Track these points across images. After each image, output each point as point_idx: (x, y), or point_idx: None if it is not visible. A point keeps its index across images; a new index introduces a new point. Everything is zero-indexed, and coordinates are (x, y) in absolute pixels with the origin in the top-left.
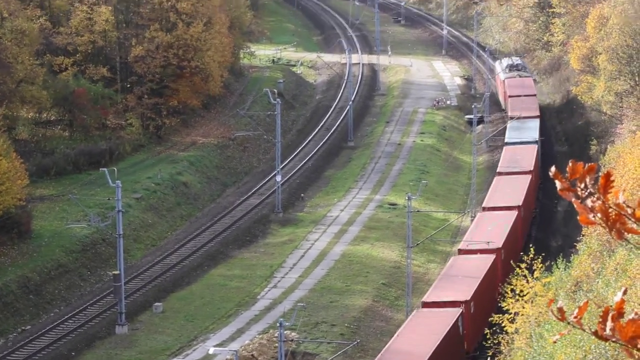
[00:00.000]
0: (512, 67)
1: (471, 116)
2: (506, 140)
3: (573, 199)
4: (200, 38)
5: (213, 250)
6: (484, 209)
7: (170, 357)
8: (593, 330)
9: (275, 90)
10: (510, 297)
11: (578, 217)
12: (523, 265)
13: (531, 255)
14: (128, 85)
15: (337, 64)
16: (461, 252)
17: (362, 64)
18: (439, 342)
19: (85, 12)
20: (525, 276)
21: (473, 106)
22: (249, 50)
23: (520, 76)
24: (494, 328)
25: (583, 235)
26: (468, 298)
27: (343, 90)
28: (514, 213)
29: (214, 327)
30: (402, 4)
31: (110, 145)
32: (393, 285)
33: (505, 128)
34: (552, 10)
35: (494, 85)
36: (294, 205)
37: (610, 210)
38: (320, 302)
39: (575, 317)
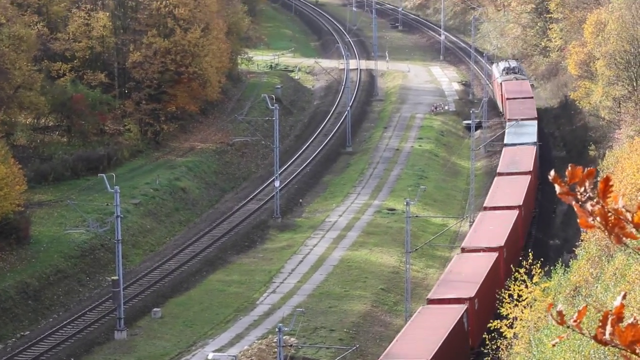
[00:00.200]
0: (509, 70)
1: (469, 121)
2: (505, 142)
3: (573, 203)
4: (197, 44)
5: (212, 255)
6: (485, 208)
7: None
8: (592, 334)
9: (273, 96)
10: (509, 302)
11: (578, 221)
12: (522, 271)
13: (530, 260)
14: (126, 91)
15: (335, 69)
16: (464, 250)
17: (360, 69)
18: (445, 337)
19: (82, 18)
20: (524, 281)
21: (471, 111)
22: (247, 56)
23: (517, 79)
24: (493, 334)
25: (582, 240)
26: (472, 295)
27: (341, 96)
28: (515, 212)
29: (212, 332)
30: (400, 9)
31: (108, 151)
32: (392, 290)
33: (503, 132)
34: (549, 15)
35: (490, 89)
36: (293, 211)
37: (609, 214)
38: (319, 308)
39: (574, 321)
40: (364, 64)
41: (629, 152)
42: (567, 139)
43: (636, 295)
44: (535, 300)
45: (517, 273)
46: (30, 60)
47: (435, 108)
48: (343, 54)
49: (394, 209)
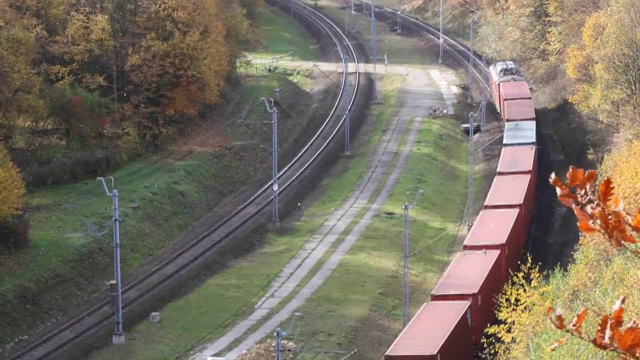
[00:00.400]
0: (506, 71)
1: (468, 125)
2: (504, 142)
3: (573, 205)
4: (196, 47)
5: (210, 259)
6: (486, 207)
7: None
8: (592, 338)
9: (272, 99)
10: (506, 307)
11: (578, 224)
12: (520, 275)
13: (529, 264)
14: (124, 94)
15: (334, 72)
16: (467, 247)
17: (359, 72)
18: (449, 333)
19: (81, 21)
20: (522, 285)
21: (469, 115)
22: (246, 59)
23: (514, 80)
24: (491, 339)
25: (580, 244)
26: (476, 291)
27: (339, 99)
28: (516, 211)
29: (211, 336)
30: (399, 12)
31: (107, 154)
32: (390, 294)
33: (501, 135)
34: (548, 19)
35: (489, 91)
36: (291, 215)
37: (609, 217)
38: (317, 312)
39: (574, 325)
40: (363, 67)
41: (627, 155)
42: (566, 142)
43: (635, 299)
44: (534, 304)
45: (515, 277)
46: (29, 63)
47: (434, 111)
48: (342, 57)
49: (392, 213)
